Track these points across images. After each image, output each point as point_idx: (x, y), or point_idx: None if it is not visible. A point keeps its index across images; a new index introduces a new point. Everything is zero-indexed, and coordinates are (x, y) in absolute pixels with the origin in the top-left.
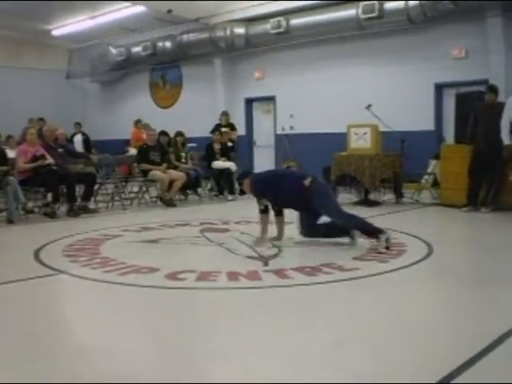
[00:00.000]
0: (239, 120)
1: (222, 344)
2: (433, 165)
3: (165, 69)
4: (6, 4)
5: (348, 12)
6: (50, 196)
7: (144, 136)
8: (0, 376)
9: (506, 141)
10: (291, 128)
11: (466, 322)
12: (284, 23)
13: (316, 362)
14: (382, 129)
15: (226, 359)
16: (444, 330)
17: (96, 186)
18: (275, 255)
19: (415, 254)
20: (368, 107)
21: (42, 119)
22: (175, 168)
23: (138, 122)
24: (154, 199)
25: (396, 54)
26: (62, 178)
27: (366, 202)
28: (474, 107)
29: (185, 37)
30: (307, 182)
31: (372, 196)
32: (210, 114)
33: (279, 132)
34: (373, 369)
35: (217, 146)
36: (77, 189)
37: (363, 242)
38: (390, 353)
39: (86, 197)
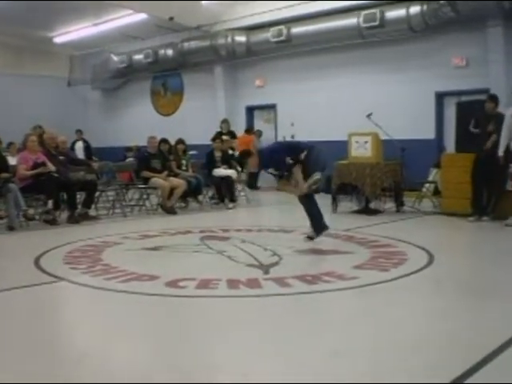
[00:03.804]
0: (240, 128)
1: (222, 352)
2: (434, 173)
3: (166, 76)
4: (9, 10)
5: (349, 21)
6: (50, 203)
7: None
8: (1, 376)
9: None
10: (292, 136)
11: (463, 333)
12: (285, 31)
13: (316, 371)
14: (382, 137)
15: (226, 367)
16: (442, 340)
17: (97, 194)
18: (276, 263)
19: (416, 263)
20: (369, 115)
21: (40, 127)
22: (176, 175)
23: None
24: (155, 207)
25: (397, 62)
26: (63, 185)
27: (367, 211)
28: (475, 113)
29: (186, 44)
30: (302, 155)
31: (373, 204)
32: (211, 121)
33: (280, 140)
34: (370, 379)
35: (217, 154)
36: (78, 196)
37: (365, 251)
38: (387, 362)
39: (87, 204)
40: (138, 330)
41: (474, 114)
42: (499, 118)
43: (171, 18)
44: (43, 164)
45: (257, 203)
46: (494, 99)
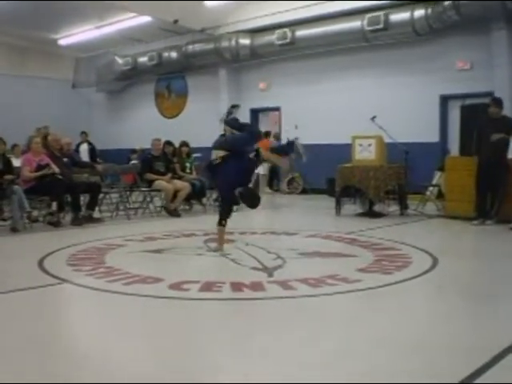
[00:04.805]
0: None
1: (225, 354)
2: (437, 177)
3: (170, 79)
4: (14, 12)
5: (353, 24)
6: (54, 205)
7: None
8: (2, 376)
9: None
10: (296, 139)
11: (466, 336)
12: (289, 34)
13: (317, 372)
14: (386, 140)
15: (228, 369)
16: (444, 344)
17: (101, 196)
18: (279, 266)
19: (420, 266)
20: (373, 118)
21: (46, 127)
22: (180, 178)
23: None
24: (159, 209)
25: (401, 65)
26: (67, 187)
27: (371, 214)
28: (476, 123)
29: (190, 47)
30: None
31: (377, 207)
32: (215, 124)
33: (284, 143)
34: (370, 379)
35: None
36: (81, 198)
37: (369, 254)
38: (388, 364)
39: (91, 206)
40: (140, 331)
41: (478, 118)
42: (506, 121)
43: (176, 21)
44: (47, 166)
45: (260, 206)
46: (498, 103)
